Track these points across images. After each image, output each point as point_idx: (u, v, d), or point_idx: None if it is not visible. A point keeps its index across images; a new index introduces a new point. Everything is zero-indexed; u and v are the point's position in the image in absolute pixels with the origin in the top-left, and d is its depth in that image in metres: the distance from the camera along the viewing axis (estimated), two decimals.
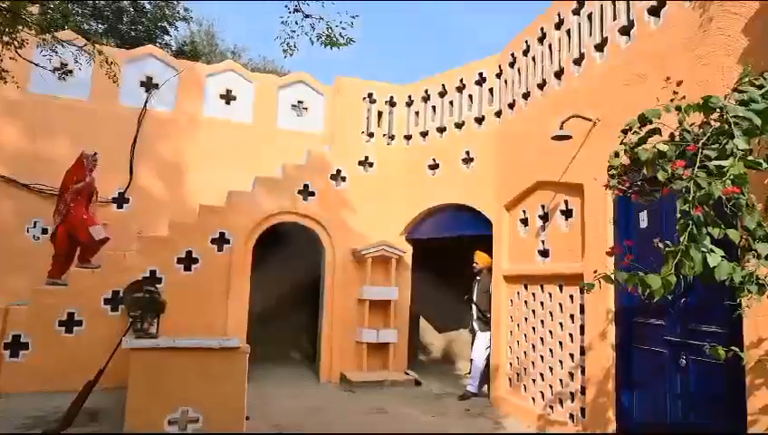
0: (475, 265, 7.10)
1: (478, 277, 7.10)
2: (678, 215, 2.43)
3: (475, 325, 7.02)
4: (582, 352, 4.86)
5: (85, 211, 6.72)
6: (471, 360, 6.99)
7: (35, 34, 5.42)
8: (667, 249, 2.34)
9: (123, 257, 6.87)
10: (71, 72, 7.83)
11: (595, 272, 2.54)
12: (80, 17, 14.86)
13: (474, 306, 7.07)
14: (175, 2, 15.81)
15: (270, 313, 8.82)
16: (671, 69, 3.88)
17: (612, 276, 2.23)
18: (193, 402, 4.42)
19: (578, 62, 5.30)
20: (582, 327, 4.89)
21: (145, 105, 8.26)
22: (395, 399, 6.66)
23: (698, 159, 2.40)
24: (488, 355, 6.74)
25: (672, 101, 2.62)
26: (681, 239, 2.33)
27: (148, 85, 8.34)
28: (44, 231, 7.50)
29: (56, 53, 5.91)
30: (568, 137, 4.79)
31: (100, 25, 15.31)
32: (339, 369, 7.58)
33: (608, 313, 4.47)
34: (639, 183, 2.81)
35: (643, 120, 2.62)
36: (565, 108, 5.12)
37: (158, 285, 6.65)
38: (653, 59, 4.19)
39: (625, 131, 2.72)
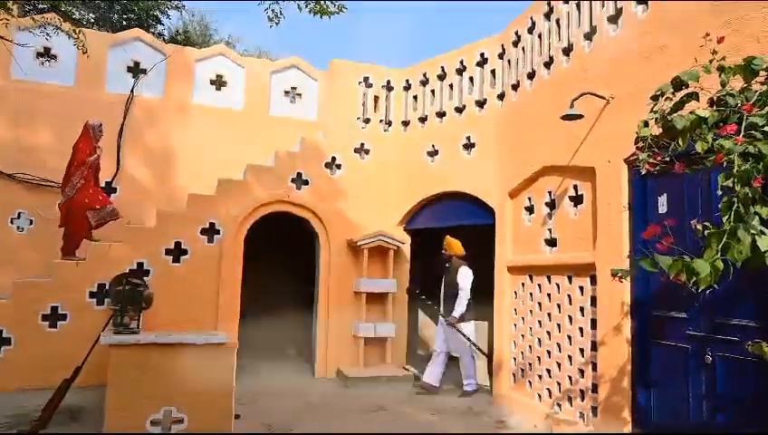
0: (443, 251, 6.73)
1: (447, 265, 6.72)
2: (720, 192, 2.11)
3: (441, 318, 6.63)
4: (594, 348, 4.55)
5: (89, 190, 6.41)
6: (460, 356, 6.53)
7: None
8: (708, 231, 2.02)
9: (109, 249, 6.54)
10: (54, 57, 7.58)
11: (629, 256, 2.22)
12: (70, 6, 14.51)
13: (441, 297, 6.70)
14: None
15: (263, 306, 8.51)
16: (695, 38, 3.55)
17: (654, 261, 1.91)
18: (177, 402, 4.12)
19: (588, 36, 4.96)
20: (594, 320, 4.57)
21: (132, 91, 7.91)
22: (393, 395, 6.37)
23: (743, 127, 2.08)
24: (470, 346, 6.47)
25: (711, 62, 2.30)
26: (725, 220, 2.02)
27: (136, 71, 7.99)
28: (30, 222, 7.23)
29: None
30: (579, 116, 4.46)
31: (91, 14, 14.92)
32: (335, 364, 7.28)
33: (622, 305, 4.15)
34: (669, 157, 2.48)
35: (678, 83, 2.29)
36: (575, 86, 4.79)
37: (145, 278, 6.38)
38: (674, 28, 3.86)
39: (656, 97, 2.39)
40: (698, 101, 2.29)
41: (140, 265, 6.58)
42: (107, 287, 6.21)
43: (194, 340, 4.14)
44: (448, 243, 6.71)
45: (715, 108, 2.21)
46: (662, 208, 3.94)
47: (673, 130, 2.19)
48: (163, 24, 16.42)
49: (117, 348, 3.95)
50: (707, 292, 3.40)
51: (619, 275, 2.19)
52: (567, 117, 4.49)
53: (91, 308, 6.29)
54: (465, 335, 6.44)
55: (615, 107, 4.42)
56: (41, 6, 11.66)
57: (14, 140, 7.29)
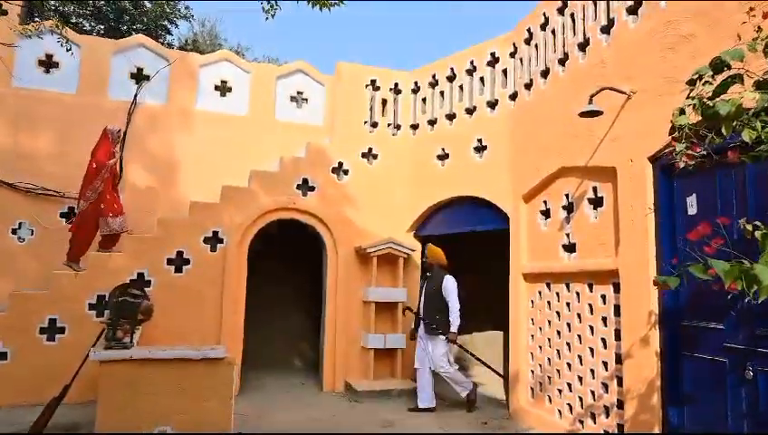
0: (424, 259, 6.40)
1: (429, 274, 6.38)
2: None
3: (421, 331, 6.20)
4: (619, 360, 4.22)
5: (107, 196, 6.35)
6: (443, 372, 6.06)
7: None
8: (761, 232, 1.74)
9: (109, 259, 6.36)
10: (56, 64, 7.48)
11: (676, 259, 1.94)
12: (80, 18, 14.61)
13: (421, 310, 6.28)
14: (175, 0, 15.45)
15: (268, 316, 8.28)
16: (725, 25, 3.27)
17: (705, 267, 1.63)
18: (172, 421, 3.87)
19: (606, 29, 4.68)
20: (618, 331, 4.25)
21: (135, 98, 7.76)
22: (404, 410, 6.08)
23: None
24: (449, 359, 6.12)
25: (755, 40, 2.02)
26: None
27: (139, 77, 7.84)
28: (32, 232, 7.11)
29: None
30: (598, 112, 4.18)
31: (100, 26, 15.00)
32: (343, 377, 6.99)
33: (650, 314, 3.84)
34: (706, 151, 2.20)
35: (719, 65, 2.01)
36: (592, 83, 4.51)
37: (146, 289, 6.18)
38: (702, 16, 3.58)
39: (692, 82, 2.11)
40: (743, 84, 2.01)
41: (141, 275, 6.37)
42: (106, 299, 6.03)
43: (190, 355, 3.89)
44: (430, 251, 6.37)
45: (762, 91, 1.93)
46: (691, 210, 3.64)
47: (715, 116, 1.91)
48: (172, 35, 16.45)
49: (107, 364, 3.72)
50: (746, 299, 3.12)
51: (663, 282, 1.91)
52: (585, 114, 4.21)
53: (91, 320, 6.07)
54: (470, 353, 6.11)
55: (637, 102, 4.14)
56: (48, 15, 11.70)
57: (15, 148, 7.15)
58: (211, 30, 20.31)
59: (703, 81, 2.08)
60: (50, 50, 7.45)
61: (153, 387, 3.82)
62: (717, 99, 1.94)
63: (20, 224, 7.09)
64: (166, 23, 15.94)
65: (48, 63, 7.48)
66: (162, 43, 14.99)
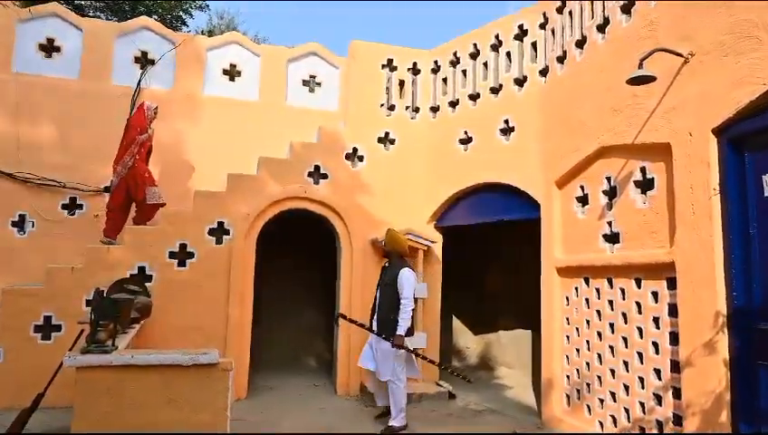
0: (383, 246, 5.56)
1: (386, 264, 5.55)
2: None
3: (374, 327, 5.32)
4: (675, 369, 3.62)
5: (146, 168, 6.40)
6: (388, 382, 5.12)
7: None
8: None
9: (108, 252, 5.96)
10: (58, 48, 7.14)
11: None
12: (96, 11, 14.44)
13: (376, 304, 5.39)
14: None
15: (278, 313, 7.82)
16: None
17: None
18: None
19: None
20: (674, 334, 3.65)
21: (139, 84, 7.37)
22: (424, 416, 5.55)
23: None
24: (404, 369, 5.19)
25: None
26: None
27: (144, 61, 7.45)
28: (32, 224, 6.77)
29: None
30: (650, 78, 3.57)
31: (114, 18, 14.83)
32: (359, 379, 6.48)
33: (717, 315, 3.23)
34: None
35: None
36: (638, 49, 3.90)
37: (147, 284, 5.78)
38: None
39: None
40: None
41: (142, 269, 5.97)
42: (104, 295, 5.62)
43: (178, 360, 3.41)
44: (391, 237, 5.47)
45: None
46: None
47: None
48: (188, 26, 16.20)
49: (84, 371, 3.26)
50: None
51: None
52: (635, 80, 3.60)
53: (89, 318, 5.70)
54: (416, 353, 5.39)
55: (696, 66, 3.52)
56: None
57: (15, 136, 6.83)
58: (229, 23, 20.03)
59: None
60: (51, 34, 7.12)
61: (137, 397, 3.35)
62: None
63: (20, 216, 6.77)
64: (181, 14, 15.74)
65: (49, 48, 7.14)
66: None
